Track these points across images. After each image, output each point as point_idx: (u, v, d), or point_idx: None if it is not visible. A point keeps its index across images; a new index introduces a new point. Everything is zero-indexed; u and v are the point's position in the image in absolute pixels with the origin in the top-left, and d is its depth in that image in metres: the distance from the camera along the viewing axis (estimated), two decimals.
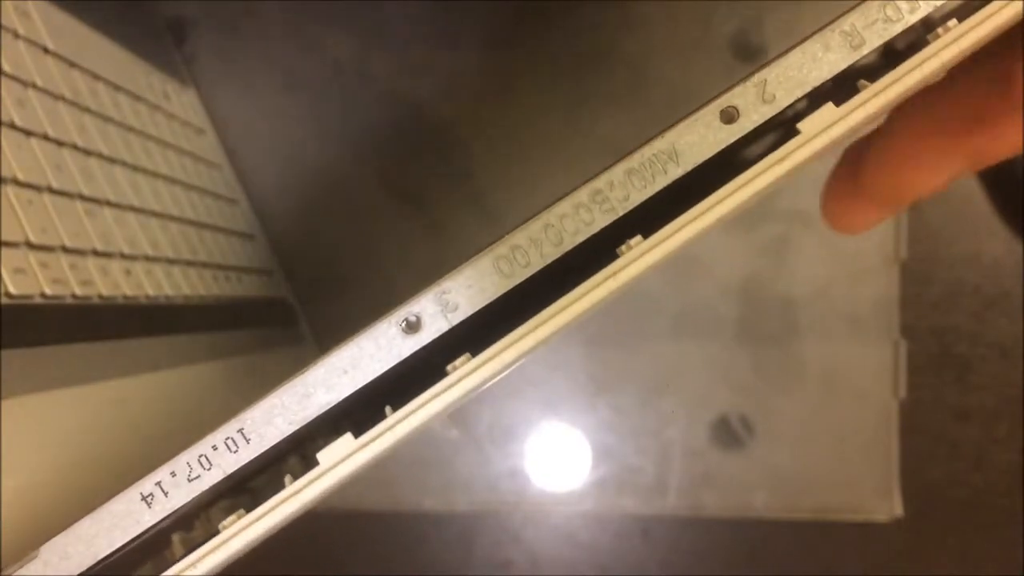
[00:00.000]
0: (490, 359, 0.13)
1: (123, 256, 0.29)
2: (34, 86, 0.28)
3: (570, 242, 0.13)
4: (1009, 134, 0.15)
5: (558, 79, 0.43)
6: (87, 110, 0.31)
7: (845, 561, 0.43)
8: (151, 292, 0.30)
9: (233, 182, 0.44)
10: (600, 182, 0.13)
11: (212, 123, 0.44)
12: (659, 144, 0.13)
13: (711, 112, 0.13)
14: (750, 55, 0.42)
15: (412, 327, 0.13)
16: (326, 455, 0.12)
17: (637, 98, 0.42)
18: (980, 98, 0.14)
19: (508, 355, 0.13)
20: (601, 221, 0.13)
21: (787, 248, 0.42)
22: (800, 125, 0.12)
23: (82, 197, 0.28)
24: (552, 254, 0.13)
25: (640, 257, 0.13)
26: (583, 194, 0.13)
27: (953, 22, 0.12)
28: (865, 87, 0.13)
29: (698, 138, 0.13)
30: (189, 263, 0.34)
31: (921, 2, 0.12)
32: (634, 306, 0.43)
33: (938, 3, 0.12)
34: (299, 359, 0.42)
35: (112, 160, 0.31)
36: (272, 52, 0.44)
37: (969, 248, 0.43)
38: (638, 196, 0.13)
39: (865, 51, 0.12)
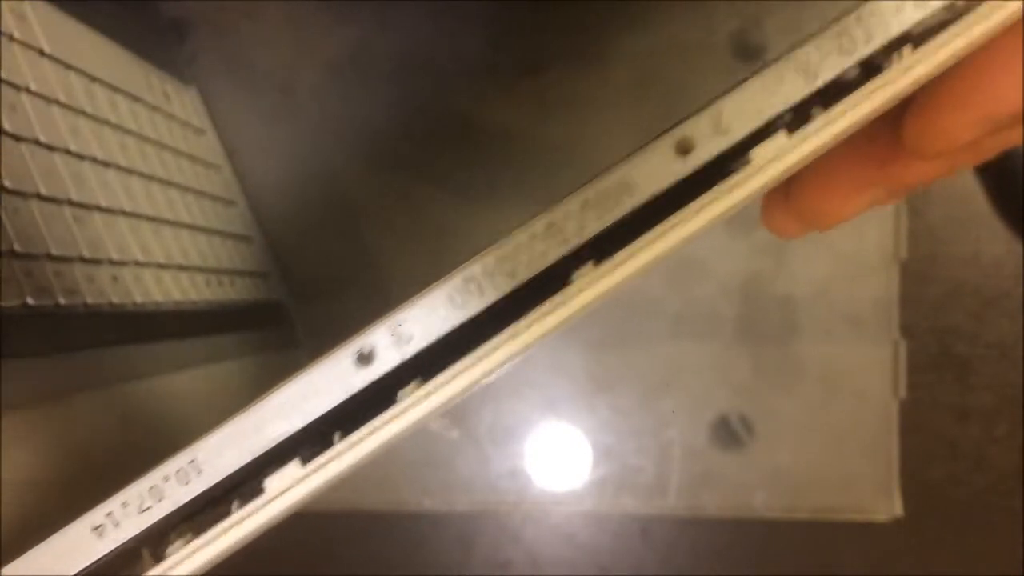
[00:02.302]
0: (441, 387, 0.13)
1: (111, 262, 0.29)
2: (27, 90, 0.27)
3: (524, 274, 0.13)
4: (918, 168, 0.15)
5: (558, 80, 0.43)
6: (82, 113, 0.30)
7: (845, 561, 0.43)
8: (138, 299, 0.30)
9: (232, 183, 0.44)
10: (556, 214, 0.13)
11: (212, 123, 0.44)
12: (614, 176, 0.13)
13: (666, 143, 0.13)
14: (750, 55, 0.42)
15: (365, 359, 0.13)
16: (273, 482, 0.13)
17: (637, 98, 0.42)
18: (890, 133, 0.14)
19: (459, 382, 0.13)
20: (555, 253, 0.13)
21: (787, 248, 0.42)
22: (752, 153, 0.13)
23: (71, 203, 0.28)
24: (506, 285, 0.13)
25: (591, 285, 0.13)
26: (539, 225, 0.13)
27: (908, 49, 0.12)
28: (818, 116, 0.13)
29: (652, 169, 0.13)
30: (181, 267, 0.34)
31: (877, 33, 0.12)
32: (634, 306, 0.43)
33: (893, 35, 0.12)
34: (292, 362, 0.42)
35: (106, 164, 0.31)
36: (272, 52, 0.44)
37: (969, 248, 0.43)
38: (593, 227, 0.13)
39: (820, 82, 0.12)
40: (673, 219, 0.13)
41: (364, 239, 0.44)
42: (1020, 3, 0.12)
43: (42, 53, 0.29)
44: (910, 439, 0.42)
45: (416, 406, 0.13)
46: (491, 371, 0.13)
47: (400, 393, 0.13)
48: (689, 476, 0.43)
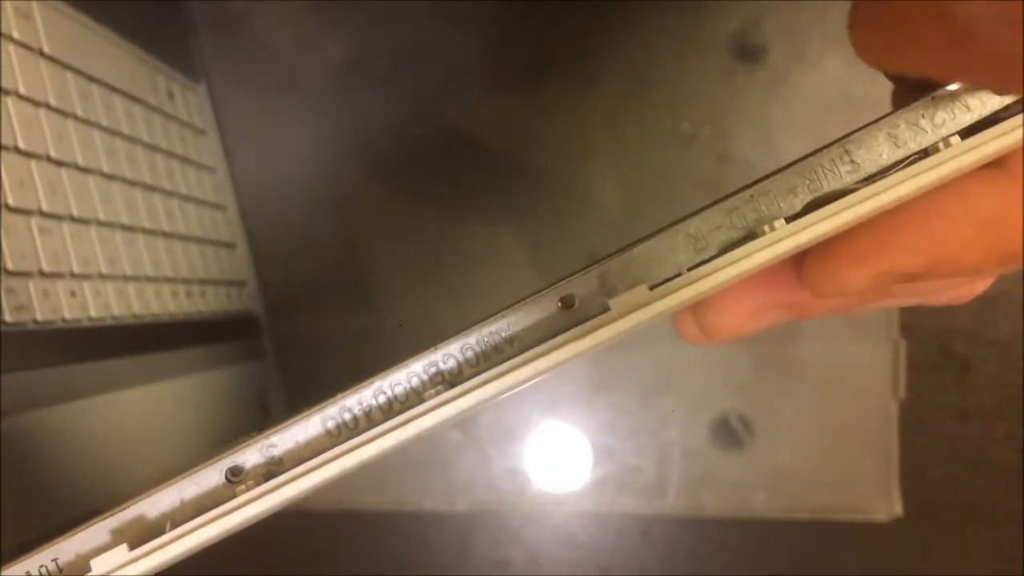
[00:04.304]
0: (272, 490, 0.13)
1: (73, 276, 0.28)
2: (17, 94, 0.27)
3: (400, 409, 0.13)
4: (822, 303, 0.15)
5: (558, 81, 0.43)
6: (71, 115, 0.30)
7: (845, 561, 0.43)
8: (94, 314, 0.29)
9: (225, 186, 0.43)
10: (437, 354, 0.13)
11: (217, 123, 0.43)
12: (497, 324, 0.13)
13: (550, 297, 0.13)
14: (750, 55, 0.42)
15: (235, 473, 0.13)
16: (99, 563, 0.13)
17: (637, 98, 0.42)
18: (794, 266, 0.14)
19: (286, 492, 0.13)
20: (433, 395, 0.13)
21: None
22: (611, 301, 0.13)
23: (41, 214, 0.27)
24: (381, 420, 0.13)
25: (436, 408, 0.13)
26: (418, 367, 0.13)
27: (780, 222, 0.13)
28: (683, 274, 0.13)
29: (535, 322, 0.13)
30: (149, 279, 0.34)
31: (762, 203, 0.13)
32: None
33: (784, 215, 0.13)
34: (257, 374, 0.42)
35: (87, 170, 0.30)
36: (273, 54, 0.44)
37: None
38: (470, 372, 0.13)
39: (707, 254, 0.13)
40: (529, 355, 0.13)
41: (348, 253, 0.44)
42: (911, 183, 0.13)
43: (41, 53, 0.29)
44: (910, 439, 0.42)
45: (249, 504, 0.13)
46: (323, 483, 0.13)
47: (240, 488, 0.13)
48: (689, 476, 0.43)
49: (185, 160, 0.39)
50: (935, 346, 0.43)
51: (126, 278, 0.32)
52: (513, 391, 0.13)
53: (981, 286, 0.17)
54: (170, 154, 0.38)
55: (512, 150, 0.43)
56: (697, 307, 0.15)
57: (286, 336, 0.44)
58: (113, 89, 0.33)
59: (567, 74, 0.43)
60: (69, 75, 0.30)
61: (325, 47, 0.43)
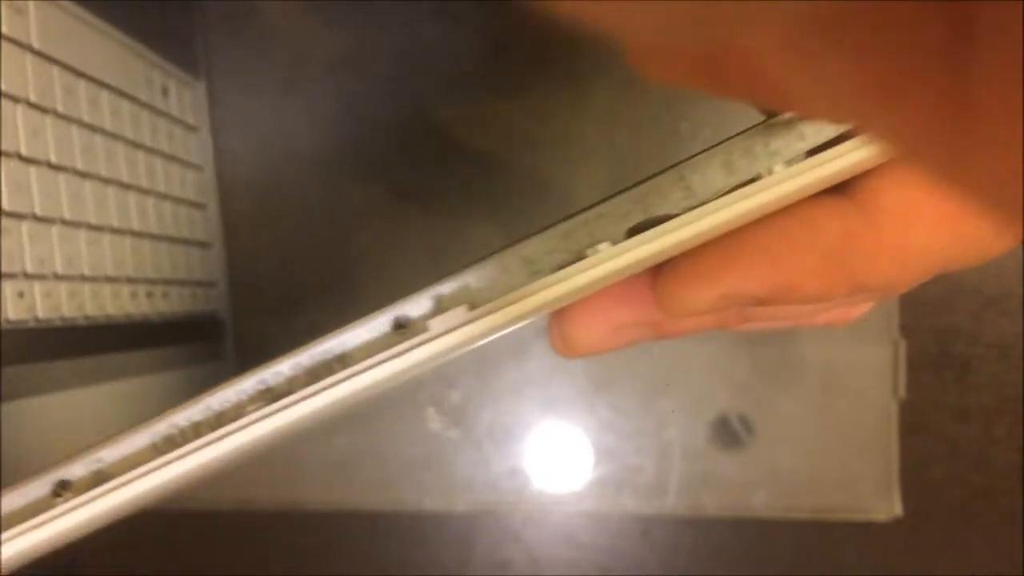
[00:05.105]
0: (91, 501, 0.13)
1: (26, 276, 0.28)
2: None
3: (229, 427, 0.13)
4: (679, 322, 0.15)
5: (555, 80, 0.43)
6: (50, 111, 0.30)
7: (845, 561, 0.43)
8: (41, 315, 0.29)
9: (210, 185, 0.43)
10: (267, 372, 0.14)
11: (211, 120, 0.43)
12: (330, 343, 0.14)
13: (385, 317, 0.14)
14: None
15: (63, 486, 0.14)
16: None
17: (635, 97, 0.42)
18: (649, 284, 0.14)
19: (104, 503, 0.14)
20: (255, 412, 0.13)
21: None
22: (429, 322, 0.13)
23: (3, 213, 0.27)
24: (211, 437, 0.13)
25: (257, 422, 0.13)
26: (248, 384, 0.14)
27: (605, 246, 0.13)
28: (492, 301, 0.13)
29: (366, 341, 0.14)
30: (108, 279, 0.33)
31: (596, 227, 0.13)
32: None
33: (619, 234, 0.13)
34: (216, 376, 0.41)
35: (59, 168, 0.30)
36: (276, 52, 0.44)
37: None
38: (300, 389, 0.13)
39: (540, 277, 0.13)
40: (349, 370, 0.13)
41: (331, 256, 0.44)
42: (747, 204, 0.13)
43: (30, 49, 0.28)
44: (910, 439, 0.42)
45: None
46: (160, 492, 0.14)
47: (56, 501, 0.14)
48: (689, 476, 0.43)
49: (170, 157, 0.39)
50: (935, 346, 0.43)
51: (83, 278, 0.31)
52: (342, 407, 0.13)
53: (857, 310, 0.16)
54: (153, 151, 0.37)
55: (507, 151, 0.43)
56: (560, 319, 0.15)
57: (251, 338, 0.44)
58: (102, 85, 0.33)
59: (564, 73, 0.43)
60: (56, 70, 0.30)
61: (325, 46, 0.43)
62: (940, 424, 0.43)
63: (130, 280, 0.35)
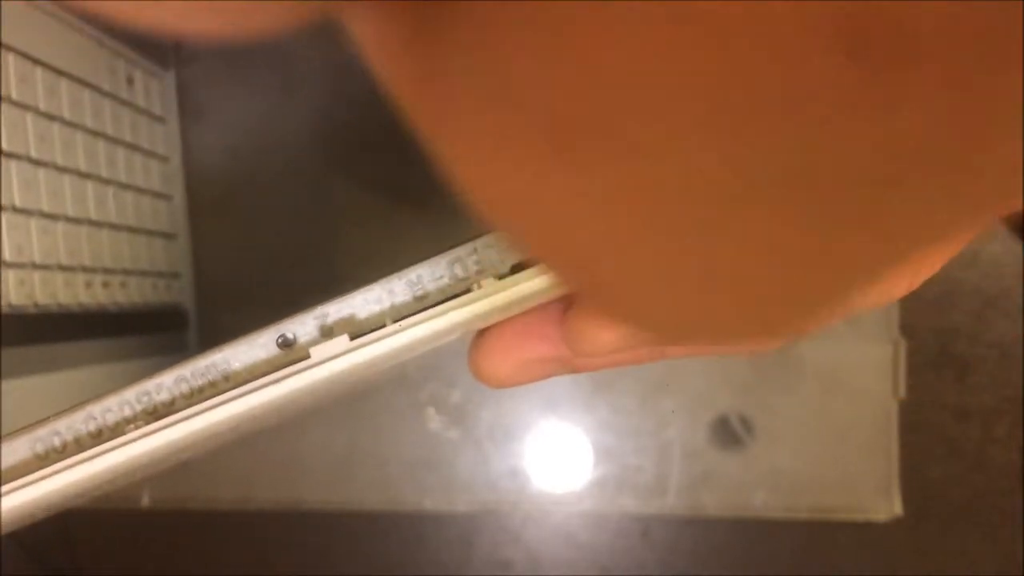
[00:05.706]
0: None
1: None
2: None
3: (109, 436, 0.13)
4: (590, 360, 0.15)
5: None
6: (4, 99, 0.29)
7: (845, 561, 0.43)
8: (14, 301, 0.29)
9: (176, 176, 0.43)
10: (151, 383, 0.13)
11: (179, 111, 0.43)
12: (214, 357, 0.13)
13: (270, 335, 0.13)
14: None
15: None
16: None
17: None
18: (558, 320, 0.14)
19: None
20: (145, 422, 0.13)
21: None
22: (312, 350, 0.13)
23: None
24: (91, 444, 0.13)
25: (136, 440, 0.13)
26: (131, 394, 0.13)
27: (489, 280, 0.13)
28: (386, 326, 0.13)
29: (252, 360, 0.13)
30: (61, 267, 0.33)
31: (488, 269, 0.13)
32: None
33: (494, 273, 0.13)
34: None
35: (10, 155, 0.30)
36: (248, 46, 0.44)
37: (969, 248, 0.43)
38: (183, 404, 0.13)
39: (426, 304, 0.13)
40: (235, 392, 0.13)
41: (297, 249, 0.44)
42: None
43: None
44: (910, 439, 0.42)
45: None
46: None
47: None
48: (689, 476, 0.43)
49: (133, 147, 0.38)
50: (935, 346, 0.43)
51: (34, 266, 0.31)
52: (227, 427, 0.13)
53: (774, 340, 0.16)
54: (116, 141, 0.37)
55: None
56: (474, 350, 0.15)
57: (214, 330, 0.44)
58: (60, 73, 0.33)
59: None
60: (12, 57, 0.30)
61: (296, 37, 0.43)
62: (940, 424, 0.43)
63: (85, 269, 0.35)
